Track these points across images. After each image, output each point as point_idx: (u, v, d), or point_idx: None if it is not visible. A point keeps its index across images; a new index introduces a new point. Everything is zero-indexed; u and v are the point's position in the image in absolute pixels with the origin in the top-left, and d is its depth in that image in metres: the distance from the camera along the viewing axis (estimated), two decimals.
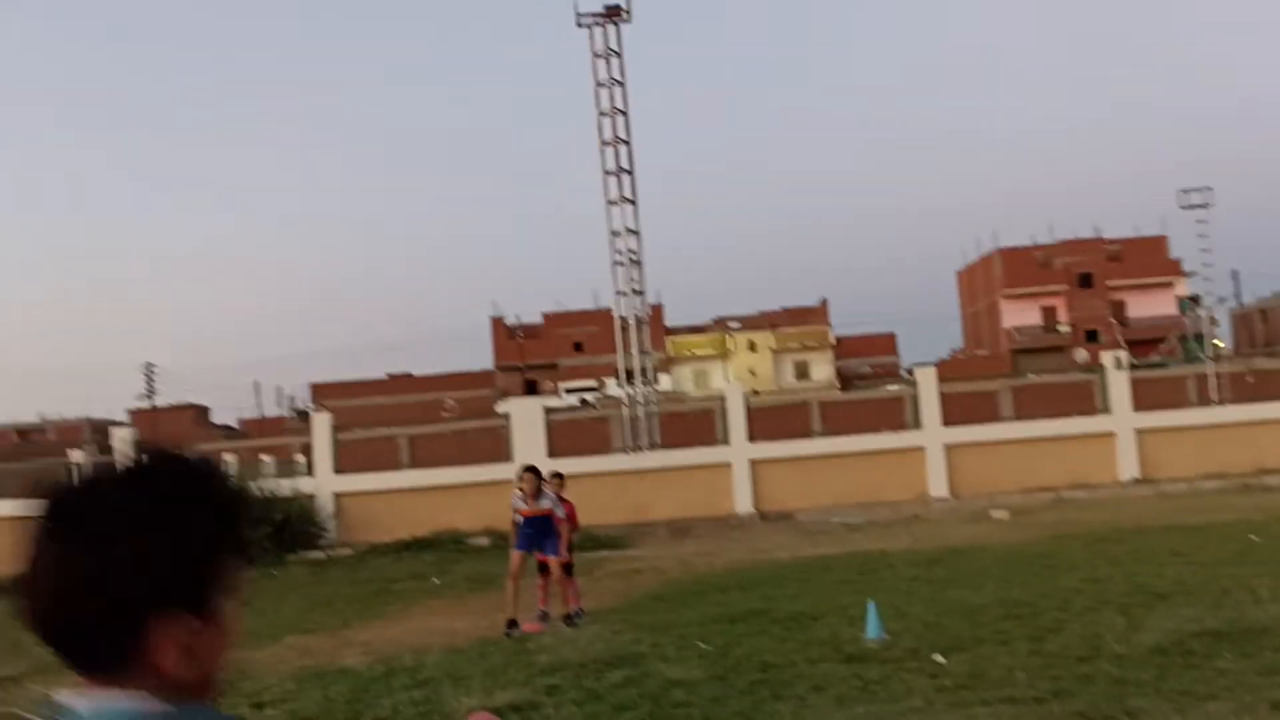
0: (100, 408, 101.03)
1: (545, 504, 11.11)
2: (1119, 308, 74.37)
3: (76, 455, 32.59)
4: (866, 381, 71.26)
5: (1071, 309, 75.00)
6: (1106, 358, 25.36)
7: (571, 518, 11.60)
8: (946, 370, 45.33)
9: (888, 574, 12.89)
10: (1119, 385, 23.73)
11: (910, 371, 29.85)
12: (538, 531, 11.03)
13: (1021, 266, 76.48)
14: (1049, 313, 75.99)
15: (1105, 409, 23.76)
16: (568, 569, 11.44)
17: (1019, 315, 75.79)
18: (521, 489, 11.06)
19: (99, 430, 79.54)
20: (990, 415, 27.53)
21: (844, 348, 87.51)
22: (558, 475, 12.08)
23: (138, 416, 76.10)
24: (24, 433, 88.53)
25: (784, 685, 7.27)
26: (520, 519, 11.09)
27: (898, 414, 31.79)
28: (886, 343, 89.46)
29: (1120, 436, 23.13)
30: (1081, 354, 66.90)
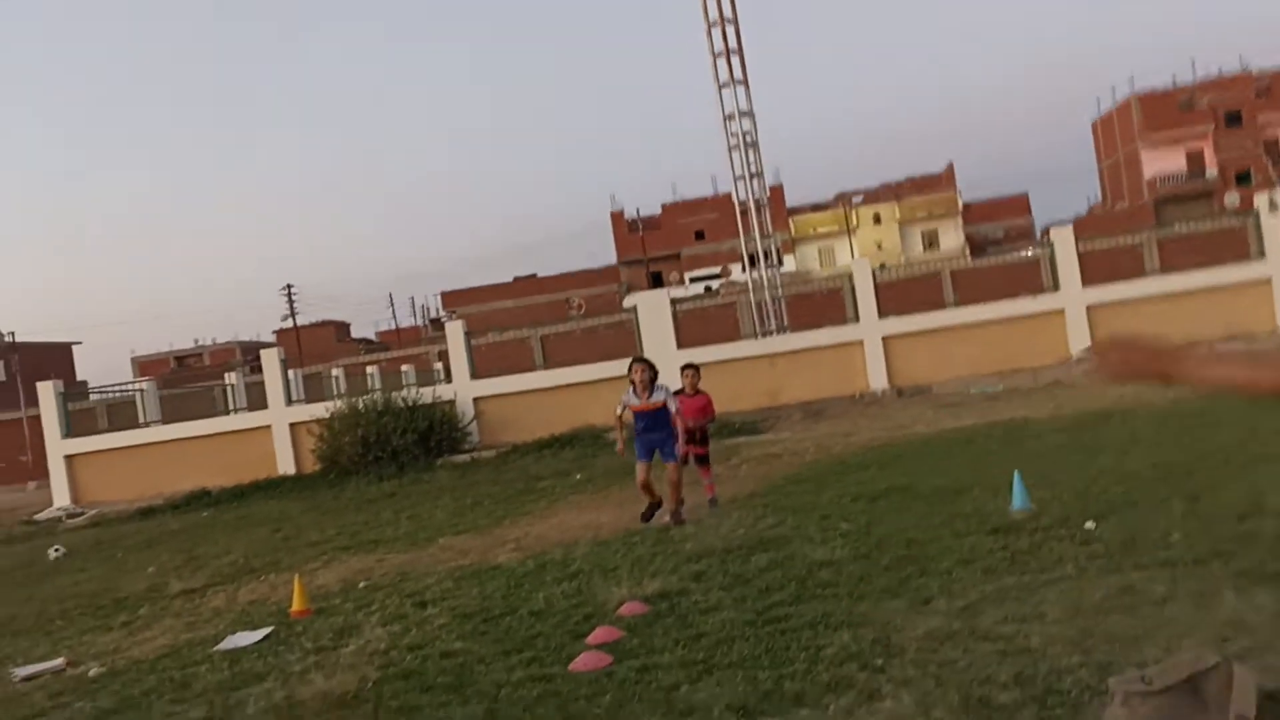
0: (248, 331, 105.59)
1: (660, 397, 10.28)
2: (1272, 145, 69.58)
3: (231, 377, 34.22)
4: (999, 246, 69.01)
5: (1219, 151, 70.56)
6: (1260, 200, 23.83)
7: (708, 409, 11.21)
8: (1084, 227, 43.41)
9: (1032, 442, 12.61)
10: (1274, 228, 22.33)
11: (1045, 233, 28.66)
12: (652, 427, 10.28)
13: (1161, 110, 72.09)
14: (1194, 157, 71.71)
15: (1260, 253, 22.44)
16: (702, 459, 11.21)
17: (1161, 162, 71.76)
18: (634, 381, 10.31)
19: (249, 351, 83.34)
20: (1134, 271, 26.33)
21: (973, 213, 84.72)
22: (692, 367, 11.53)
23: (283, 336, 79.34)
24: (181, 359, 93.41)
25: (930, 560, 7.23)
26: (631, 416, 10.44)
27: (1034, 277, 30.72)
28: (1018, 204, 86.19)
29: (1277, 281, 21.86)
30: (1233, 198, 63.04)
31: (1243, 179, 68.30)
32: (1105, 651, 4.93)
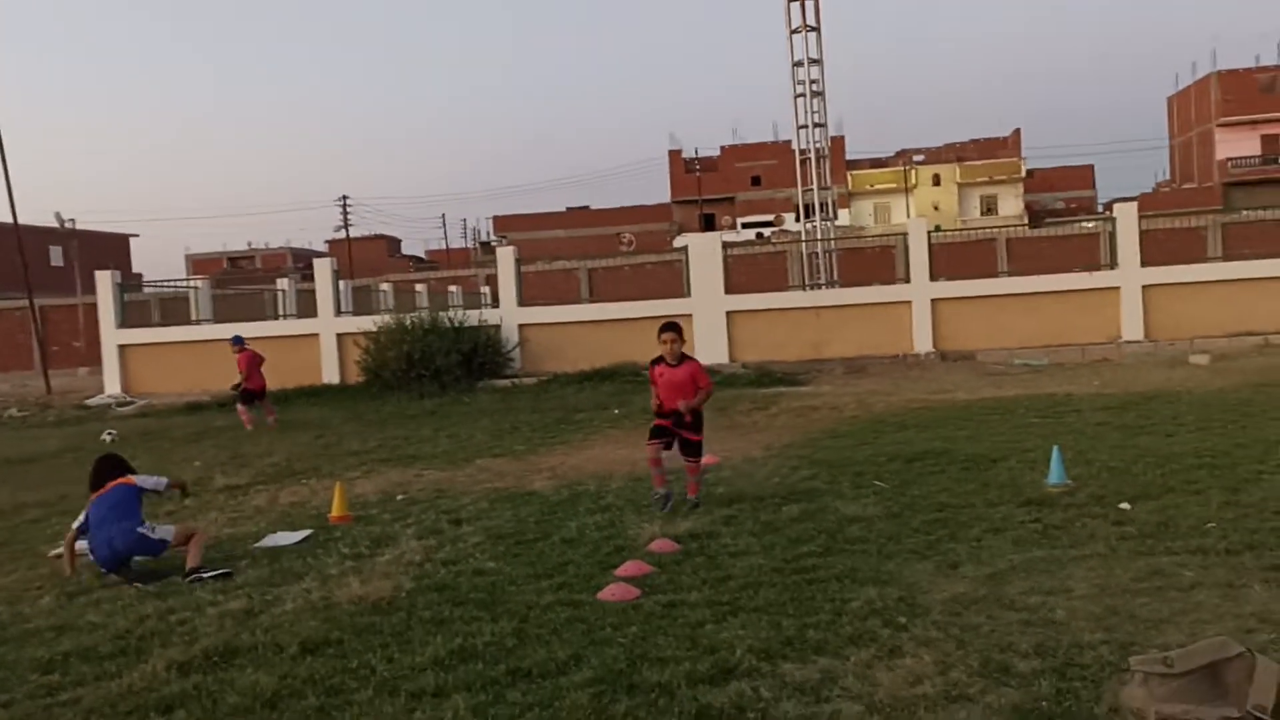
0: (301, 238, 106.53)
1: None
2: None
3: (282, 283, 34.64)
4: (1059, 217, 67.79)
5: None
6: None
7: (695, 380, 8.45)
8: (1149, 204, 42.51)
9: (1073, 418, 12.55)
10: None
11: (1108, 208, 28.14)
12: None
13: (1242, 91, 70.01)
14: (1270, 142, 69.71)
15: None
16: (692, 449, 8.56)
17: (1236, 145, 69.85)
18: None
19: (300, 259, 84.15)
20: (1195, 254, 25.83)
21: (1036, 181, 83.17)
22: (673, 328, 8.63)
23: (335, 246, 79.99)
24: (234, 260, 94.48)
25: (960, 526, 7.29)
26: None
27: (1091, 252, 30.24)
28: (1083, 175, 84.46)
29: None
30: None
31: None
32: (1129, 631, 4.99)
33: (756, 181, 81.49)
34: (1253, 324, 21.08)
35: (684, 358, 8.49)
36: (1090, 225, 37.87)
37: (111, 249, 60.45)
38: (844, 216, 69.90)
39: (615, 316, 23.43)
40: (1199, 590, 5.57)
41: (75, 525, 7.85)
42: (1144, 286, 21.82)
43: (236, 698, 4.78)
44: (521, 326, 23.33)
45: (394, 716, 4.43)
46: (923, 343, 22.25)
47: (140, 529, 7.54)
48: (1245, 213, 39.29)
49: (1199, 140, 73.46)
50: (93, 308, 28.78)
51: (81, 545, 7.83)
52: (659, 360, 8.49)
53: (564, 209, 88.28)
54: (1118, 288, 22.00)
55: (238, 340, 18.04)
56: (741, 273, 28.66)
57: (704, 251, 23.45)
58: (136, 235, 78.77)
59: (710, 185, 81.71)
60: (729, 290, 23.16)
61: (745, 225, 73.76)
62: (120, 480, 7.88)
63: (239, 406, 17.68)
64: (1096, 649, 4.75)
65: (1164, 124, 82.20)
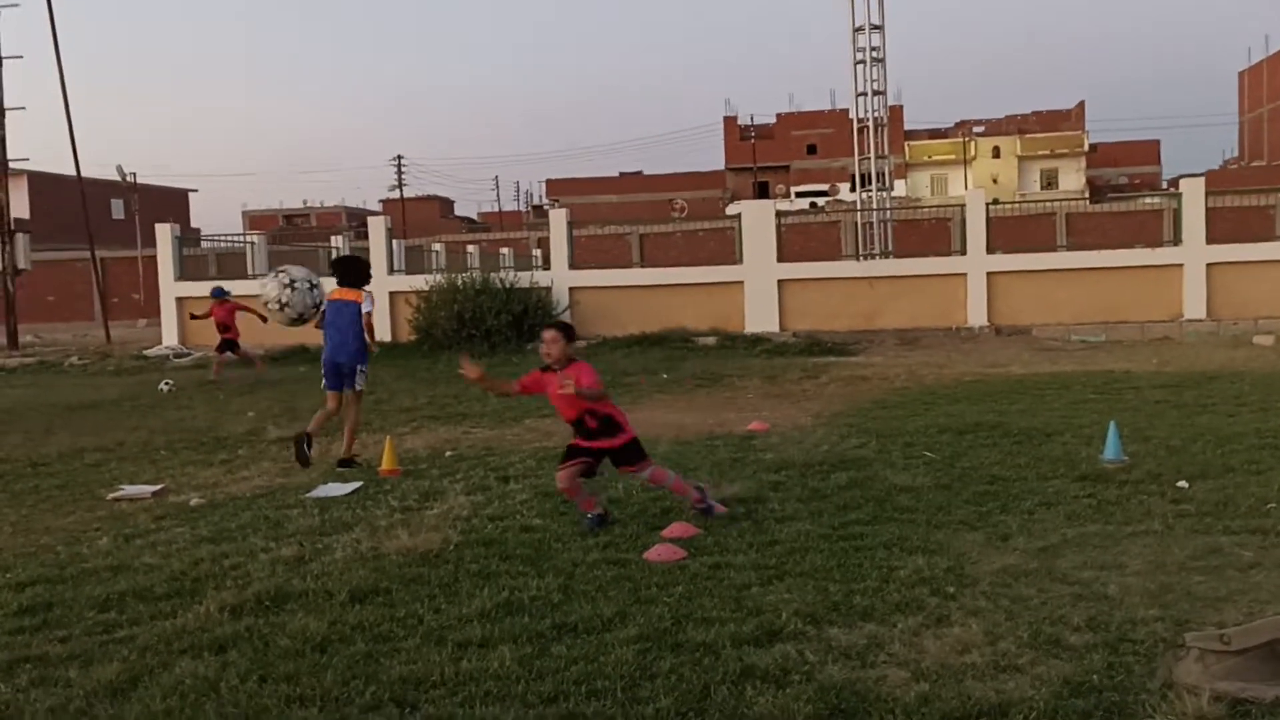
0: (355, 197, 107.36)
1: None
2: None
3: (337, 240, 34.94)
4: (1121, 192, 66.41)
5: None
6: None
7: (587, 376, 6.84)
8: (1216, 181, 41.50)
9: (1131, 395, 12.33)
10: None
11: (1173, 184, 27.49)
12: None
13: None
14: None
15: None
16: (625, 455, 7.06)
17: None
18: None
19: (354, 217, 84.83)
20: (1265, 233, 25.17)
21: (1099, 155, 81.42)
22: (557, 326, 7.10)
23: (389, 206, 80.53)
24: (290, 217, 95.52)
25: (1012, 499, 7.19)
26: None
27: (1154, 228, 29.59)
28: (1148, 150, 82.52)
29: None
30: None
31: None
32: (1184, 609, 4.89)
33: (812, 150, 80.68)
34: None
35: (570, 361, 6.92)
36: (1154, 201, 37.08)
37: (171, 203, 61.36)
38: (900, 187, 69.00)
39: (666, 282, 23.37)
40: (1258, 570, 5.45)
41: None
42: (1208, 264, 21.31)
43: (287, 641, 4.86)
44: (572, 289, 23.33)
45: (440, 665, 4.47)
46: (977, 316, 21.94)
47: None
48: None
49: (1270, 116, 71.42)
50: (152, 260, 29.28)
51: (134, 490, 8.02)
52: (546, 367, 6.98)
53: (617, 174, 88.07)
54: (1181, 265, 21.51)
55: (220, 293, 19.21)
56: (795, 241, 28.45)
57: (757, 218, 23.26)
58: (195, 190, 79.96)
59: (765, 153, 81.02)
60: (781, 258, 22.97)
61: (799, 194, 73.08)
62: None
63: (220, 355, 18.90)
64: (1150, 625, 4.66)
65: (1234, 99, 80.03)
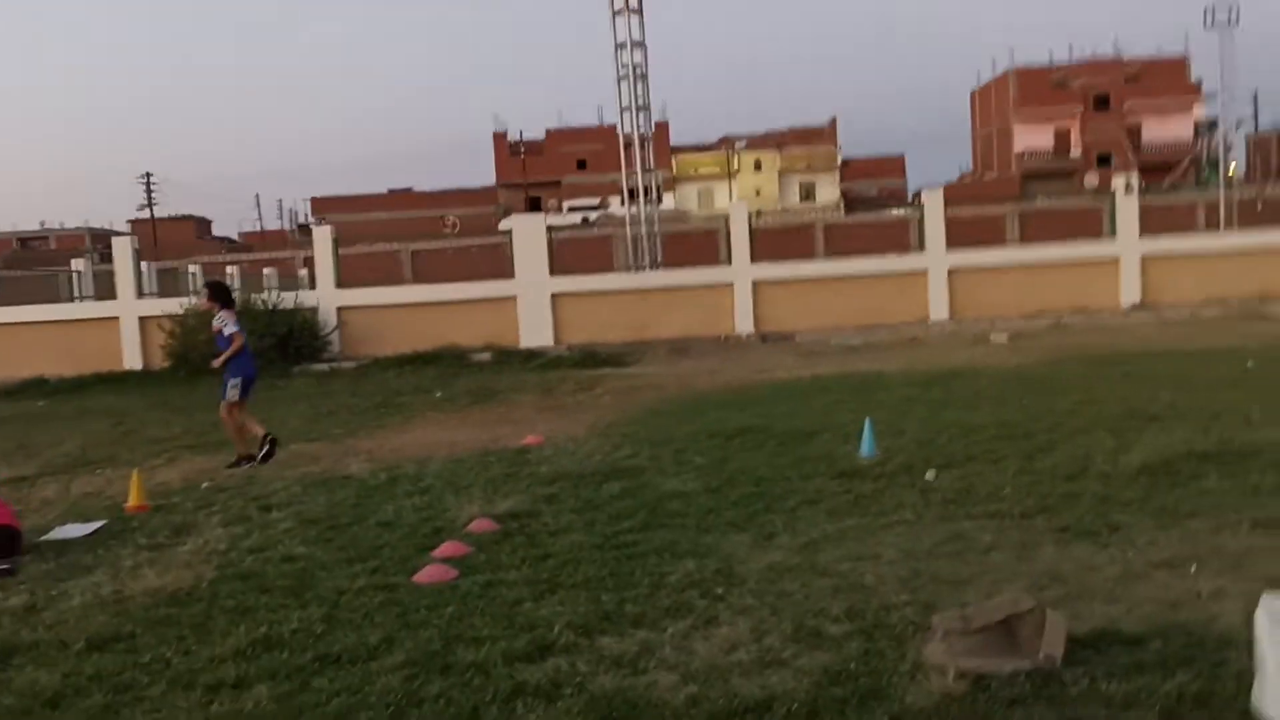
0: (100, 217, 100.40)
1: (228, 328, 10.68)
2: (1134, 132, 72.64)
3: (78, 264, 32.52)
4: (872, 204, 70.51)
5: (1086, 132, 73.28)
6: (1117, 182, 24.95)
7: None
8: (954, 194, 44.58)
9: (884, 394, 13.02)
10: (1127, 210, 23.42)
11: (917, 196, 29.44)
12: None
13: (1037, 87, 74.36)
14: (1062, 136, 74.30)
15: (1113, 233, 23.54)
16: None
17: (1032, 138, 74.16)
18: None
19: (99, 239, 79.31)
20: (996, 239, 27.27)
21: (851, 169, 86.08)
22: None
23: (138, 226, 75.69)
24: (25, 240, 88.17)
25: (777, 498, 7.43)
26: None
27: (902, 237, 31.59)
28: (895, 165, 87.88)
29: (1125, 261, 22.98)
30: (1092, 179, 65.74)
31: (1104, 161, 71.19)
32: (932, 592, 5.18)
33: (582, 165, 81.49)
34: (1047, 305, 22.41)
35: None
36: (900, 212, 39.54)
37: None
38: (669, 201, 70.68)
39: (438, 299, 23.00)
40: (996, 552, 5.84)
41: None
42: (949, 270, 22.89)
43: (13, 699, 4.42)
44: (340, 309, 22.60)
45: (188, 711, 4.18)
46: (744, 324, 22.71)
47: None
48: (1040, 200, 41.79)
49: (999, 133, 77.61)
50: None
51: None
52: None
53: (385, 191, 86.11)
54: (925, 270, 23.00)
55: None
56: (568, 256, 28.59)
57: (529, 233, 23.25)
58: None
59: (536, 169, 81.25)
60: (554, 272, 23.05)
61: (571, 208, 73.63)
62: None
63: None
64: (902, 610, 4.91)
65: (967, 118, 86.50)
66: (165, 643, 5.04)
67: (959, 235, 24.80)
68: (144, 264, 25.40)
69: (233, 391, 10.67)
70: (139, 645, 5.04)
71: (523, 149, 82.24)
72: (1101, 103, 73.46)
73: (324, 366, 20.91)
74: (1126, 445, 8.35)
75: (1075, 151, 73.35)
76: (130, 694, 4.43)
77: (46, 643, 5.12)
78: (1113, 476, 7.43)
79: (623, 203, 32.01)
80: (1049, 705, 3.82)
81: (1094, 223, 26.52)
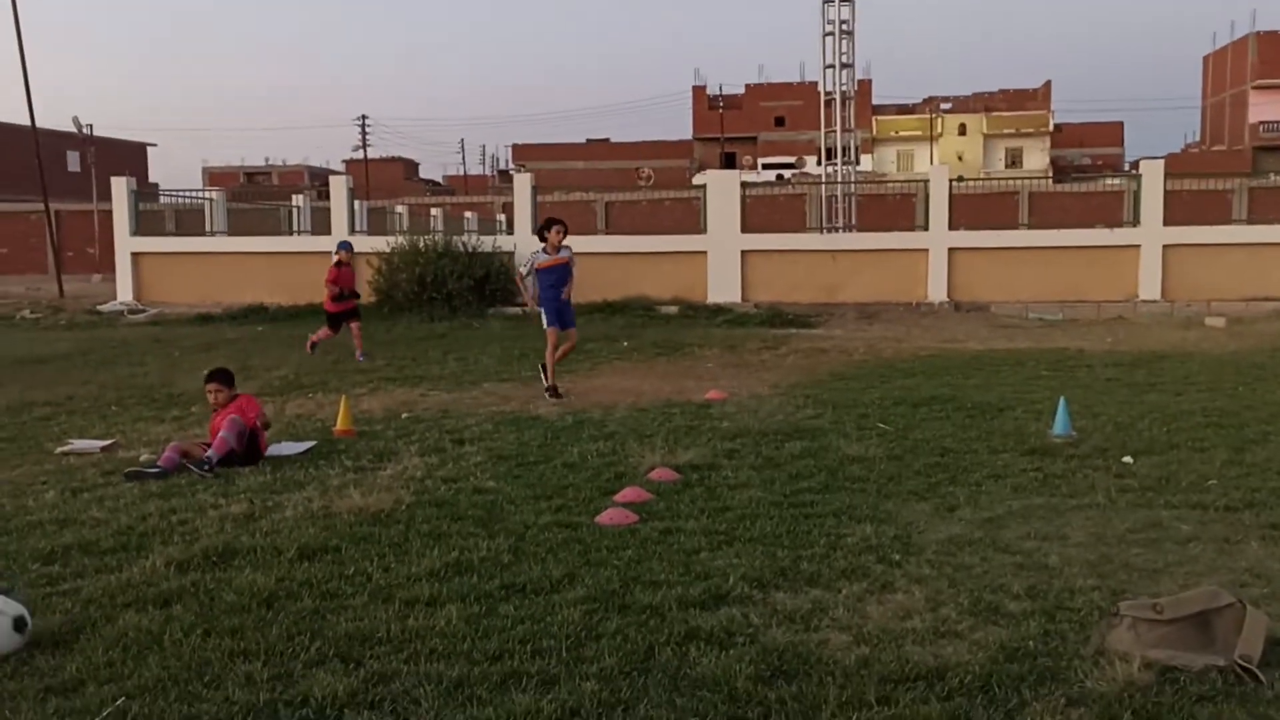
0: (319, 157, 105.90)
1: (565, 254, 11.79)
2: None
3: (298, 199, 34.51)
4: (1084, 173, 66.98)
5: None
6: None
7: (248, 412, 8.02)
8: (1176, 164, 41.92)
9: (1083, 373, 12.50)
10: None
11: (1134, 166, 27.68)
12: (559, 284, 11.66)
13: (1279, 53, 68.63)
14: None
15: None
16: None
17: (1270, 109, 68.66)
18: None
19: (317, 177, 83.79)
20: (1220, 216, 25.49)
21: (1063, 135, 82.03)
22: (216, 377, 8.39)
23: (352, 166, 79.59)
24: (251, 175, 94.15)
25: (962, 471, 7.29)
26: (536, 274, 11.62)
27: (1114, 209, 29.90)
28: (1112, 132, 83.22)
29: None
30: None
31: None
32: (1121, 580, 5.00)
33: (780, 122, 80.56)
34: (1271, 289, 20.89)
35: (234, 397, 8.12)
36: (1115, 182, 37.42)
37: (129, 157, 60.19)
38: (866, 162, 69.17)
39: (630, 250, 23.30)
40: (1195, 544, 5.57)
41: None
42: (1165, 246, 21.58)
43: (233, 596, 4.84)
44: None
45: (387, 622, 4.48)
46: (937, 291, 22.11)
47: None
48: (1274, 177, 38.76)
49: (1232, 102, 72.22)
50: (108, 215, 28.75)
51: (83, 445, 7.94)
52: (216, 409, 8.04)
53: (584, 141, 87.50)
54: (1138, 246, 21.76)
55: (346, 246, 16.28)
56: (760, 213, 28.44)
57: (722, 189, 23.23)
58: (154, 145, 78.54)
59: (733, 124, 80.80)
60: (746, 230, 22.99)
61: (766, 166, 72.98)
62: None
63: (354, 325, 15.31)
64: (1088, 594, 4.76)
65: (1198, 83, 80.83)
66: (367, 558, 5.40)
67: (1179, 210, 23.31)
68: (357, 202, 26.70)
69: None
70: (344, 558, 5.43)
71: (721, 103, 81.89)
72: None
73: (517, 310, 21.54)
74: None
75: None
76: (336, 601, 4.79)
77: (263, 549, 5.57)
78: None
79: (819, 162, 31.54)
80: (1240, 705, 3.66)
81: None
